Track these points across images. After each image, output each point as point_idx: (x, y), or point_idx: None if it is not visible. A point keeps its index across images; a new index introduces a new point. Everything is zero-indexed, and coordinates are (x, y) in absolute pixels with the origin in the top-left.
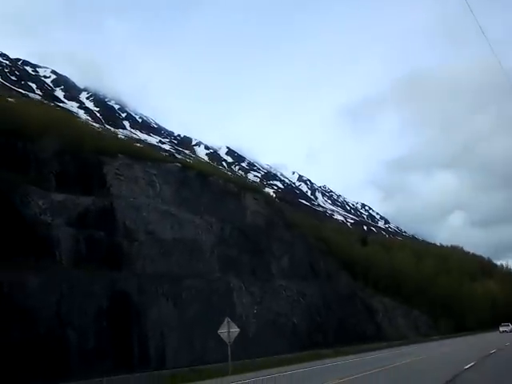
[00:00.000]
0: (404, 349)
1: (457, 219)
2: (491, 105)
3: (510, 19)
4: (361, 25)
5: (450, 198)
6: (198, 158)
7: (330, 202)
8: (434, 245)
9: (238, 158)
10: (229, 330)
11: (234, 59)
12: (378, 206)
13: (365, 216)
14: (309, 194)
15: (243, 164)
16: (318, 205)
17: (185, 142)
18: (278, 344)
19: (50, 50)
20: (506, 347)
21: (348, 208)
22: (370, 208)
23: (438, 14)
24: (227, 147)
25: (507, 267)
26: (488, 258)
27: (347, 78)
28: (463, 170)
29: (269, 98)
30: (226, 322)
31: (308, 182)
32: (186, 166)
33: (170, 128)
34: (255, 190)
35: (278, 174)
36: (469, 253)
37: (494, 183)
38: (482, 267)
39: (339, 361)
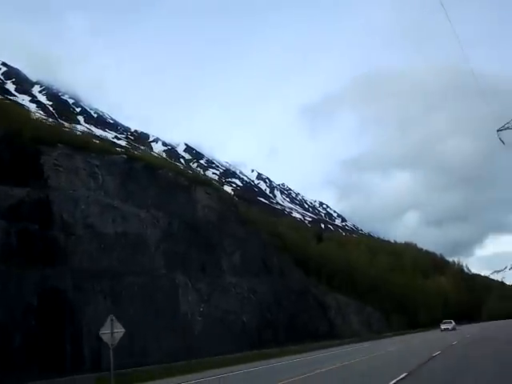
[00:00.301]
0: (352, 347)
1: (412, 218)
2: (447, 106)
3: (472, 22)
4: (322, 24)
5: (405, 197)
6: (147, 151)
7: (288, 200)
8: (389, 242)
9: (197, 155)
10: (112, 331)
11: (194, 57)
12: (336, 204)
13: (323, 214)
14: (268, 192)
15: (202, 161)
16: (277, 203)
17: (142, 139)
18: (226, 343)
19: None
20: (452, 347)
21: (306, 206)
22: (328, 206)
23: (399, 15)
24: (185, 144)
25: (459, 264)
26: (440, 254)
27: (308, 78)
28: (419, 169)
29: (230, 97)
30: (108, 320)
31: (267, 180)
32: (132, 158)
33: (127, 124)
34: (207, 184)
35: (237, 172)
36: (422, 249)
37: (448, 183)
38: (435, 264)
39: (288, 360)
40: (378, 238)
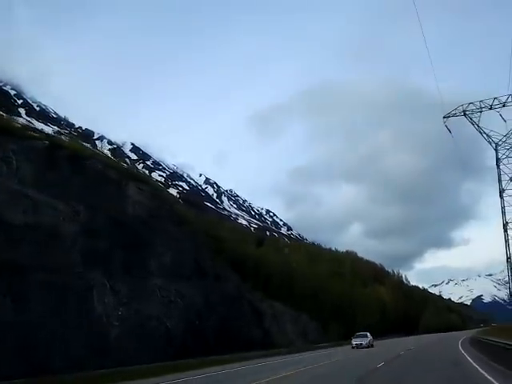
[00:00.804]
0: (277, 361)
1: (355, 230)
2: (393, 121)
3: (417, 39)
4: (275, 35)
5: (350, 209)
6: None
7: (235, 206)
8: (330, 250)
9: (143, 155)
10: None
11: (147, 59)
12: (283, 212)
13: (269, 222)
14: (215, 197)
15: (148, 162)
16: (224, 208)
17: (86, 135)
18: (146, 351)
19: None
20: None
21: (253, 213)
22: (275, 215)
23: (351, 31)
24: (132, 144)
25: (398, 275)
26: (380, 264)
27: (258, 86)
28: (364, 183)
29: (182, 100)
30: None
31: (215, 186)
32: (55, 145)
33: (72, 120)
34: (140, 179)
35: (185, 175)
36: (362, 259)
37: (392, 198)
38: (375, 274)
39: (213, 371)
40: (320, 246)
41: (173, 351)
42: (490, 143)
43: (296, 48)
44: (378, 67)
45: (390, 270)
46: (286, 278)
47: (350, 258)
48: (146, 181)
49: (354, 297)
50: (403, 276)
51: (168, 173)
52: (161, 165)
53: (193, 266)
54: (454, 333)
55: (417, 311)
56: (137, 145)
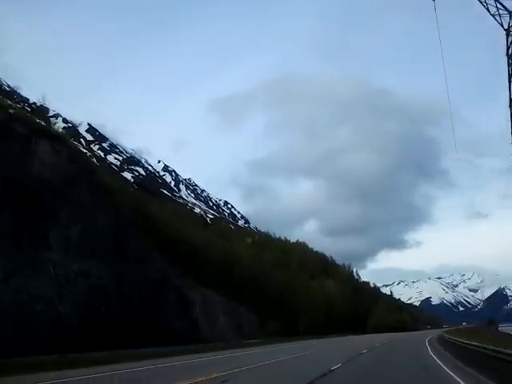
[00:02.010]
0: (203, 359)
1: (311, 226)
2: (355, 119)
3: (383, 41)
4: (241, 24)
5: (307, 204)
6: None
7: (193, 195)
8: (279, 239)
9: (100, 137)
10: None
11: (112, 40)
12: (240, 204)
13: (226, 214)
14: (172, 185)
15: (104, 144)
16: (180, 197)
17: (40, 111)
18: (27, 340)
19: None
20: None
21: (210, 204)
22: (233, 206)
23: (320, 27)
24: (88, 124)
25: (349, 269)
26: (331, 257)
27: (222, 74)
28: (322, 179)
29: (143, 84)
30: None
31: (173, 173)
32: None
33: (26, 94)
34: (57, 138)
35: (142, 161)
36: (312, 250)
37: (348, 196)
38: (324, 266)
39: (108, 370)
40: (268, 235)
41: (67, 342)
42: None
43: (263, 39)
44: (343, 64)
45: (340, 264)
46: (223, 265)
47: (299, 249)
48: (65, 141)
49: (299, 289)
50: (354, 270)
51: (125, 157)
52: (118, 148)
53: (109, 243)
54: (407, 334)
55: (366, 308)
56: (94, 125)
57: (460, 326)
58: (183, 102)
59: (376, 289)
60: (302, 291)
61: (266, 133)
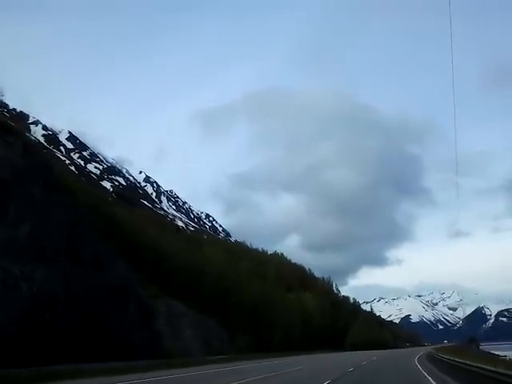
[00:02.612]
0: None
1: (292, 241)
2: (337, 135)
3: (367, 57)
4: (227, 37)
5: (288, 219)
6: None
7: (174, 207)
8: (256, 250)
9: (80, 145)
10: None
11: (94, 47)
12: (222, 217)
13: (207, 226)
14: (154, 196)
15: (85, 153)
16: (161, 208)
17: (20, 118)
18: None
19: None
20: None
21: (192, 216)
22: (214, 219)
23: (305, 41)
24: (69, 132)
25: (329, 283)
26: (309, 269)
27: (206, 85)
28: (304, 194)
29: (126, 93)
30: None
31: (155, 185)
32: None
33: (6, 100)
34: (10, 130)
35: (123, 171)
36: (290, 261)
37: (330, 212)
38: (302, 278)
39: None
40: (244, 245)
41: None
42: None
43: (246, 51)
44: (326, 78)
45: (319, 277)
46: (193, 275)
47: (276, 260)
48: (19, 134)
49: (274, 302)
50: (334, 284)
51: (105, 166)
52: (98, 157)
53: (62, 245)
54: (390, 352)
55: (345, 323)
56: (74, 133)
57: (442, 344)
58: (166, 112)
59: (356, 304)
60: (277, 304)
61: (249, 146)
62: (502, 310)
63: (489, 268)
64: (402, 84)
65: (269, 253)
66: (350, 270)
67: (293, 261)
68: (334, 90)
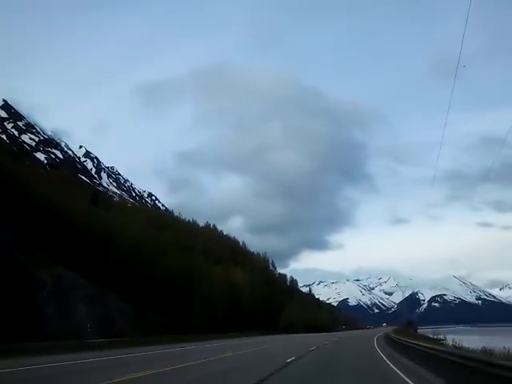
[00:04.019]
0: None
1: (235, 223)
2: (283, 116)
3: (319, 40)
4: (176, 10)
5: (232, 200)
6: None
7: (115, 184)
8: (184, 220)
9: (15, 114)
10: None
11: (34, 14)
12: (165, 196)
13: (150, 205)
14: (93, 172)
15: (20, 123)
16: (100, 185)
17: None
18: None
19: None
20: None
21: (133, 194)
22: (157, 199)
23: (255, 15)
24: (4, 100)
25: (264, 258)
26: (243, 243)
27: (149, 59)
28: (248, 175)
29: (67, 62)
30: None
31: (95, 160)
32: None
33: None
34: None
35: (62, 144)
36: (222, 233)
37: (274, 194)
38: (234, 252)
39: None
40: (173, 215)
41: None
42: None
43: (196, 25)
44: (276, 60)
45: (255, 252)
46: (97, 241)
47: (207, 232)
48: None
49: (196, 276)
50: (270, 261)
51: (42, 138)
52: (35, 128)
53: None
54: (328, 335)
55: (280, 303)
56: (9, 102)
57: (389, 328)
58: (108, 85)
59: (294, 283)
60: (199, 278)
61: (195, 123)
62: (435, 296)
63: (424, 255)
64: (351, 70)
65: (200, 225)
66: (292, 253)
67: (225, 232)
68: (283, 72)
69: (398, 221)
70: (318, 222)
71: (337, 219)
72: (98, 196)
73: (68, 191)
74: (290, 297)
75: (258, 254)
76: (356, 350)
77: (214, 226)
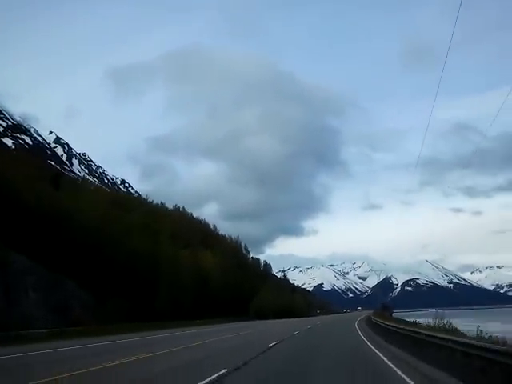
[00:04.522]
0: None
1: (211, 209)
2: (257, 102)
3: (295, 25)
4: None
5: (207, 186)
6: None
7: (87, 171)
8: (152, 202)
9: None
10: None
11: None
12: (138, 183)
13: (123, 192)
14: (64, 158)
15: None
16: (71, 171)
17: None
18: None
19: None
20: None
21: (106, 181)
22: (130, 186)
23: (228, 3)
24: None
25: (237, 243)
26: (214, 226)
27: (120, 42)
28: (223, 161)
29: (36, 46)
30: None
31: (66, 146)
32: None
33: None
34: None
35: (31, 130)
36: (192, 215)
37: (249, 180)
38: (204, 235)
39: None
40: (141, 197)
41: None
42: None
43: (168, 7)
44: (251, 45)
45: (227, 236)
46: (53, 223)
47: (176, 215)
48: None
49: (161, 260)
50: (243, 245)
51: (10, 123)
52: (3, 113)
53: None
54: (301, 321)
55: (252, 288)
56: None
57: (357, 312)
58: (79, 70)
59: (267, 268)
60: (164, 262)
61: (167, 109)
62: (408, 280)
63: (397, 240)
64: (327, 57)
65: (170, 208)
66: (267, 239)
67: (195, 215)
68: (257, 57)
69: (372, 206)
70: (292, 208)
71: (311, 205)
72: (61, 178)
73: (26, 173)
74: (264, 281)
75: (230, 237)
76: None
77: (183, 208)
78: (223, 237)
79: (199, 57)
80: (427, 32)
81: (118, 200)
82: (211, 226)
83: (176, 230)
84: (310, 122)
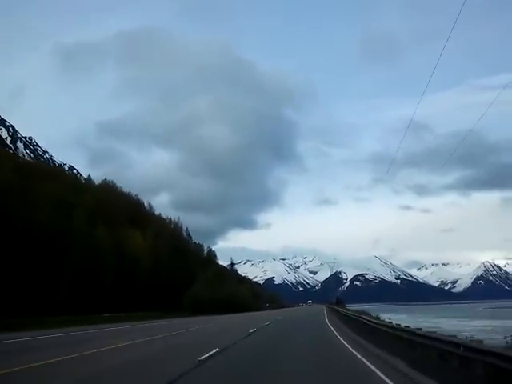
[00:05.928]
0: None
1: (162, 199)
2: (213, 89)
3: (252, 9)
4: None
5: (159, 175)
6: None
7: (32, 155)
8: (75, 174)
9: None
10: None
11: None
12: (86, 169)
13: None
14: (8, 141)
15: None
16: (15, 154)
17: None
18: None
19: None
20: None
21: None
22: (79, 172)
23: None
24: None
25: (177, 224)
26: (149, 204)
27: (69, 21)
28: (175, 150)
29: None
30: None
31: (10, 129)
32: None
33: None
34: None
35: None
36: (121, 190)
37: (202, 170)
38: (135, 213)
39: None
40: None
41: None
42: None
43: None
44: (209, 29)
45: (166, 217)
46: None
47: (101, 188)
48: None
49: (75, 240)
50: (184, 228)
51: None
52: None
53: None
54: (246, 317)
55: (192, 276)
56: None
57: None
58: (26, 47)
59: (212, 255)
60: (78, 243)
61: (119, 92)
62: (357, 275)
63: (349, 235)
64: (287, 47)
65: (97, 182)
66: (220, 231)
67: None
68: (216, 42)
69: (326, 201)
70: (246, 201)
71: (265, 198)
72: None
73: None
74: (205, 270)
75: (170, 219)
76: None
77: (112, 182)
78: (159, 217)
79: (154, 39)
80: (385, 29)
81: (25, 167)
82: (145, 204)
83: (99, 205)
84: (267, 113)
